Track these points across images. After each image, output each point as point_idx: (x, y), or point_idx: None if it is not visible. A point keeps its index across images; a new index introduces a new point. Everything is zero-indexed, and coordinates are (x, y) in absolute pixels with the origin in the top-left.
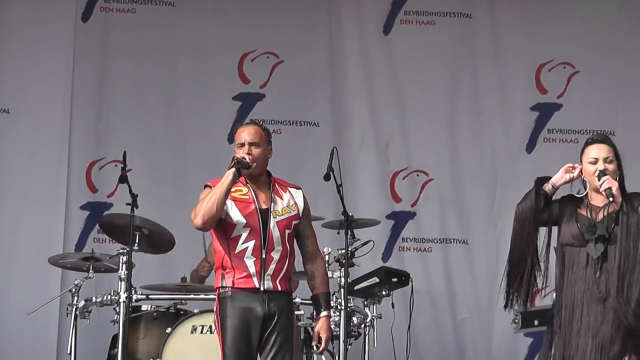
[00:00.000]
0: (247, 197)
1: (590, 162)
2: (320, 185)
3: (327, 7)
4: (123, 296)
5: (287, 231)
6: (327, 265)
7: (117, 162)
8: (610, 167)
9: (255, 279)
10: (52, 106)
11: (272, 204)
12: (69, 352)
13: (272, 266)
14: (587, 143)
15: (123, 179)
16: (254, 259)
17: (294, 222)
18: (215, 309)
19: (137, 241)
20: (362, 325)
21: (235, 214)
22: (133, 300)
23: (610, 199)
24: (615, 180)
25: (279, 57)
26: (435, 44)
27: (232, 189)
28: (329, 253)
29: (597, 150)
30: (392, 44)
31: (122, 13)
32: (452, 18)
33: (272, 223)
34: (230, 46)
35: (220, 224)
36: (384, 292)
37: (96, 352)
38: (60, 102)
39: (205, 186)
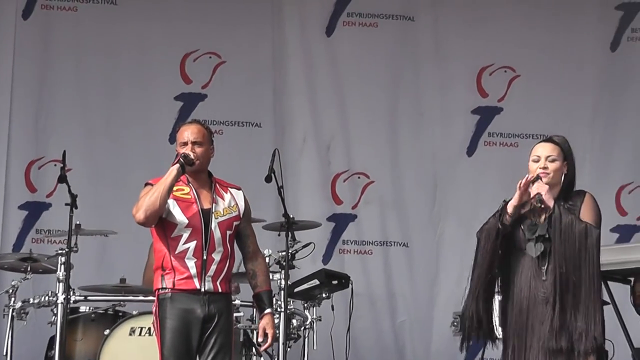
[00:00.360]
0: (189, 196)
1: (533, 160)
2: (262, 187)
3: (270, 9)
4: (61, 297)
5: (228, 232)
6: (267, 267)
7: (57, 162)
8: (552, 165)
9: (196, 280)
10: None
11: (214, 204)
12: (5, 353)
13: (213, 267)
14: (537, 143)
15: (62, 178)
16: (195, 259)
17: (234, 223)
18: (154, 311)
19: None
20: (302, 328)
21: (177, 214)
22: (71, 301)
23: (540, 205)
24: (560, 179)
25: (221, 58)
26: (377, 46)
27: (174, 188)
28: (270, 255)
29: (542, 149)
30: (335, 46)
31: (64, 11)
32: (394, 20)
33: (213, 224)
34: (173, 46)
35: (161, 224)
36: (324, 295)
37: (33, 354)
38: None
39: (146, 184)
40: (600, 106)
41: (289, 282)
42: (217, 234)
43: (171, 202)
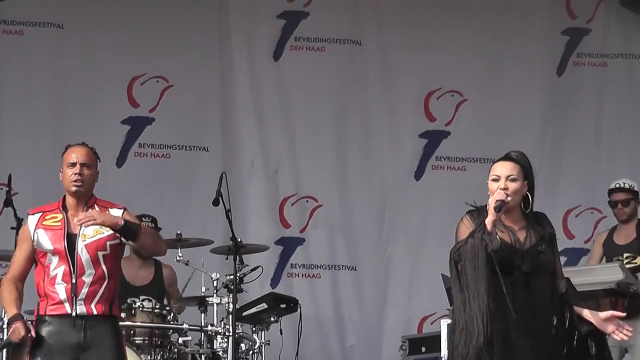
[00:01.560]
0: (59, 224)
1: (493, 180)
2: (209, 211)
3: (218, 32)
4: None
5: (101, 253)
6: (215, 290)
7: (3, 186)
8: (513, 185)
9: (67, 305)
10: None
11: (82, 226)
12: None
13: (84, 290)
14: (495, 161)
15: (8, 202)
16: (65, 284)
17: (108, 243)
18: (29, 338)
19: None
20: (250, 352)
21: (45, 242)
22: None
23: (499, 212)
24: (520, 199)
25: (168, 82)
26: (325, 70)
27: (48, 216)
28: (217, 279)
29: (501, 168)
30: (282, 70)
31: (10, 35)
32: (341, 45)
33: (79, 246)
34: (120, 69)
35: (35, 252)
36: (272, 318)
37: None
38: None
39: (28, 214)
40: (548, 130)
41: (237, 306)
42: (84, 256)
43: (40, 232)
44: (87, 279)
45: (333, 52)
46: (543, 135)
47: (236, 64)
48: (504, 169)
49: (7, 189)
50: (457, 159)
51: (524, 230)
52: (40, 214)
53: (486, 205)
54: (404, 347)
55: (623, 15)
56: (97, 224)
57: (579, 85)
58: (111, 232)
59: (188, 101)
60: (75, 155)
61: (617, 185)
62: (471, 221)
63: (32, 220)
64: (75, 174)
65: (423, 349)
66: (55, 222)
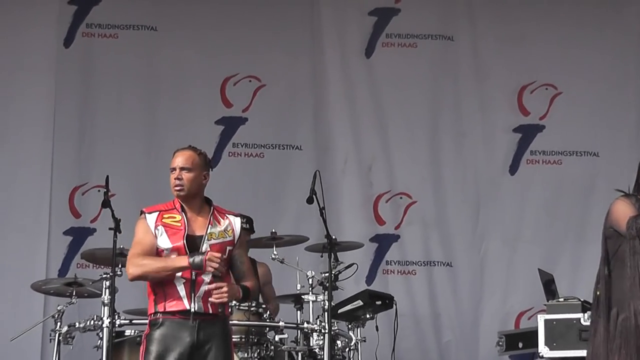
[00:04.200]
0: (179, 224)
1: None
2: (304, 209)
3: (309, 31)
4: (106, 321)
5: (220, 255)
6: (310, 288)
7: (100, 187)
8: None
9: (185, 301)
10: (34, 132)
11: (210, 226)
12: None
13: (203, 288)
14: None
15: (106, 203)
16: (184, 281)
17: (228, 248)
18: (143, 336)
19: (119, 266)
20: (347, 349)
21: (164, 239)
22: (116, 325)
23: None
24: None
25: (261, 81)
26: (417, 67)
27: (166, 215)
28: (313, 276)
29: None
30: (374, 67)
31: (105, 38)
32: (433, 40)
33: (205, 245)
34: (213, 70)
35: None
36: (368, 315)
37: None
38: (42, 128)
39: (142, 212)
40: None
41: (332, 304)
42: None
43: (160, 229)
44: (206, 277)
45: (425, 48)
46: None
47: (328, 61)
48: None
49: (105, 190)
50: (553, 153)
51: None
52: (158, 212)
53: (637, 194)
54: (500, 343)
55: None
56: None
57: None
58: (232, 238)
59: (280, 100)
60: (177, 160)
61: None
62: (631, 203)
63: (150, 218)
64: (175, 178)
65: (520, 345)
66: (174, 221)
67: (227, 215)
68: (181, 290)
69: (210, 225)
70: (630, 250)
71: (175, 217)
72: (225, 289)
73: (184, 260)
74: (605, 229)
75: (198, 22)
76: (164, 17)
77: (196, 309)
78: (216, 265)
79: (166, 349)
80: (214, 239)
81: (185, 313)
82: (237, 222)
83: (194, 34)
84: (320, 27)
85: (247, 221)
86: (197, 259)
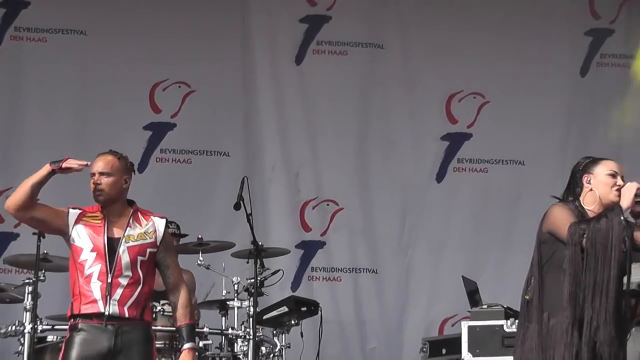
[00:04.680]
0: (99, 222)
1: (611, 175)
2: (230, 215)
3: (240, 37)
4: (28, 327)
5: (139, 257)
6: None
7: None
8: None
9: (100, 304)
10: None
11: (128, 228)
12: None
13: (119, 291)
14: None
15: None
16: (100, 283)
17: (149, 250)
18: (64, 341)
19: (43, 271)
20: (271, 355)
21: (84, 237)
22: (38, 331)
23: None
24: None
25: (190, 87)
26: (347, 74)
27: (88, 214)
28: (239, 282)
29: (614, 164)
30: (304, 74)
31: (33, 42)
32: (363, 48)
33: (122, 248)
34: (142, 75)
35: (71, 249)
36: (293, 322)
37: None
38: None
39: (69, 207)
40: (571, 131)
41: (257, 310)
42: (124, 257)
43: (80, 227)
44: (123, 280)
45: (355, 56)
46: (567, 137)
47: (258, 68)
48: (617, 165)
49: None
50: (479, 161)
51: None
52: (80, 211)
53: (573, 200)
54: (424, 350)
55: None
56: None
57: (602, 85)
58: (153, 239)
59: (210, 106)
60: (96, 165)
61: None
62: (570, 209)
63: (73, 213)
64: (93, 183)
65: (444, 351)
66: (95, 220)
67: (152, 217)
68: (96, 292)
69: (129, 228)
70: (572, 257)
71: (97, 216)
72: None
73: (45, 167)
74: (540, 233)
75: (128, 27)
76: (93, 21)
77: (111, 312)
78: (75, 164)
79: (85, 355)
80: (132, 241)
81: (101, 317)
82: (160, 224)
83: (124, 39)
84: (250, 34)
85: (177, 227)
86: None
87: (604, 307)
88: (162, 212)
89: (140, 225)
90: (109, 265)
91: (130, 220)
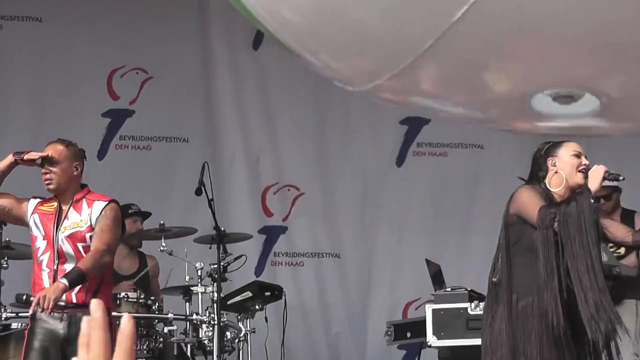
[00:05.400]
0: (52, 211)
1: (575, 155)
2: (192, 201)
3: (197, 23)
4: None
5: (80, 244)
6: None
7: None
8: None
9: None
10: None
11: (65, 219)
12: None
13: None
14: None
15: None
16: (48, 270)
17: (87, 235)
18: (26, 331)
19: (5, 258)
20: (236, 340)
21: (39, 226)
22: (2, 318)
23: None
24: None
25: (148, 73)
26: None
27: (45, 204)
28: (202, 268)
29: (578, 145)
30: (262, 59)
31: None
32: None
33: (60, 237)
34: (99, 62)
35: (30, 237)
36: (257, 307)
37: None
38: None
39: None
40: None
41: (221, 295)
42: (65, 246)
43: (35, 216)
44: (68, 267)
45: None
46: None
47: (216, 54)
48: (581, 146)
49: None
50: (439, 145)
51: None
52: (39, 200)
53: (539, 182)
54: (389, 333)
55: None
56: (54, 304)
57: None
58: (88, 224)
59: (168, 92)
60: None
61: None
62: (538, 192)
63: (31, 203)
64: (42, 173)
65: (408, 334)
66: (50, 209)
67: (95, 202)
68: (46, 280)
69: (65, 219)
70: (544, 241)
71: (52, 205)
72: (42, 295)
73: (9, 156)
74: (507, 215)
75: (84, 13)
76: (49, 8)
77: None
78: (36, 156)
79: (45, 344)
80: (68, 229)
81: (55, 306)
82: (97, 207)
83: (80, 25)
84: (208, 19)
85: (139, 212)
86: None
87: (596, 285)
88: (122, 199)
89: (80, 213)
90: (55, 253)
91: (70, 210)
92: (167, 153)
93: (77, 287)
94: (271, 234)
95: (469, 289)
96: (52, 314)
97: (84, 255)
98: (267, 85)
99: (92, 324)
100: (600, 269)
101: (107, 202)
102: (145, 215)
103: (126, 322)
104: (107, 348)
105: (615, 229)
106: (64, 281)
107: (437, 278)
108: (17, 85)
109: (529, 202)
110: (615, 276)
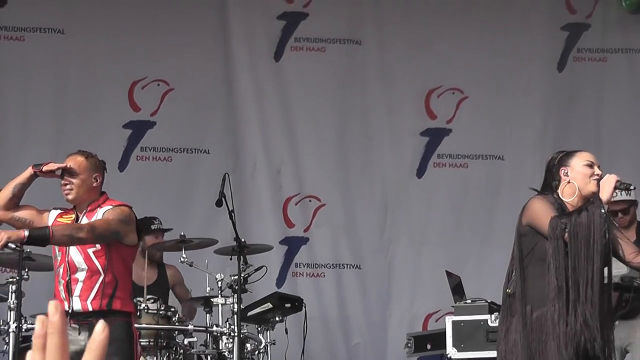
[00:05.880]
0: (70, 222)
1: (588, 165)
2: (213, 212)
3: (219, 35)
4: (12, 326)
5: (90, 250)
6: (219, 291)
7: None
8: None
9: (66, 303)
10: None
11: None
12: None
13: (78, 286)
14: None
15: None
16: (63, 281)
17: None
18: None
19: (26, 270)
20: (256, 352)
21: None
22: (23, 329)
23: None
24: None
25: (169, 85)
26: (325, 70)
27: (64, 216)
28: (222, 279)
29: (591, 155)
30: (283, 71)
31: (11, 41)
32: (341, 44)
33: (71, 247)
34: (121, 73)
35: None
36: (277, 318)
37: None
38: None
39: (54, 209)
40: (549, 125)
41: (242, 306)
42: (75, 255)
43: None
44: (80, 275)
45: (333, 52)
46: (545, 131)
47: (237, 65)
48: (593, 156)
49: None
50: (459, 156)
51: None
52: (60, 211)
53: (552, 192)
54: (409, 345)
55: (622, 10)
56: (5, 243)
57: (579, 80)
58: None
59: (189, 104)
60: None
61: (615, 197)
62: (549, 202)
63: (52, 214)
64: (62, 184)
65: (428, 346)
66: (68, 220)
67: (106, 206)
68: (62, 291)
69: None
70: (554, 251)
71: (71, 217)
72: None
73: (29, 168)
74: (520, 226)
75: (106, 25)
76: (71, 20)
77: (75, 309)
78: (55, 167)
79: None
80: None
81: (70, 318)
82: (103, 209)
83: (102, 37)
84: (229, 31)
85: (160, 222)
86: (35, 166)
87: (589, 299)
88: (143, 210)
89: (90, 220)
90: (67, 264)
91: (82, 218)
92: (188, 164)
93: (93, 294)
94: (292, 244)
95: (489, 301)
96: (71, 325)
97: (94, 261)
98: (288, 97)
99: (49, 327)
100: (600, 282)
101: (116, 205)
102: (166, 231)
103: (100, 330)
104: (65, 356)
105: (625, 248)
106: (26, 231)
107: (458, 290)
108: (38, 96)
109: (541, 213)
110: (637, 288)
